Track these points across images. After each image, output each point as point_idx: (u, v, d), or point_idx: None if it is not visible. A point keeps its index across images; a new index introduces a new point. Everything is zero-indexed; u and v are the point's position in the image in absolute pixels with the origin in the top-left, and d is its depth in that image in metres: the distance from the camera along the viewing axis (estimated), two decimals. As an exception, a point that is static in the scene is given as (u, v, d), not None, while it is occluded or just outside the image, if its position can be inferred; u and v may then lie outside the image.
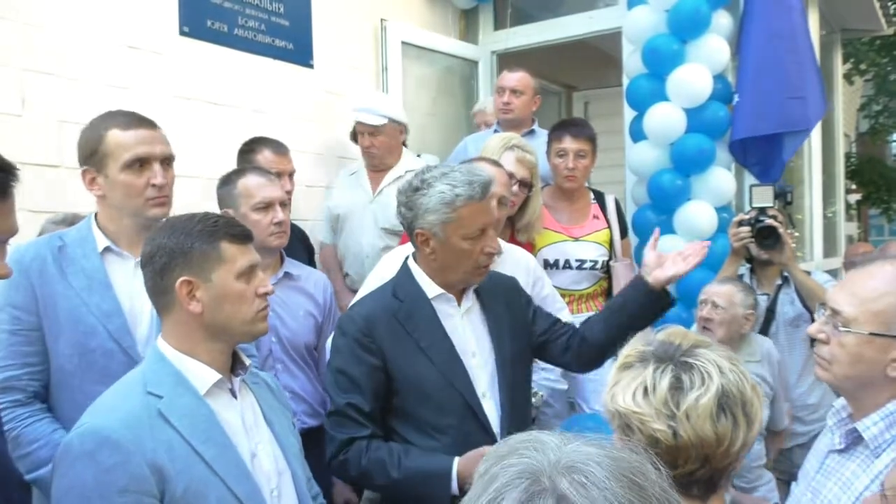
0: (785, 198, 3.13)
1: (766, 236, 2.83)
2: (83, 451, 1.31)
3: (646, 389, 1.05)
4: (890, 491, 1.18)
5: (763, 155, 3.63)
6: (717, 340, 2.68)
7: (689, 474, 1.04)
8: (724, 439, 1.04)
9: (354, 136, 3.47)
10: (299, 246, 2.96)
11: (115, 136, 1.77)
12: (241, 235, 1.50)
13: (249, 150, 2.88)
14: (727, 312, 2.73)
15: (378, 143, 3.20)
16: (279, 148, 2.90)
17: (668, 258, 1.99)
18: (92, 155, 1.78)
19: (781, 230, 2.83)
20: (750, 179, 3.84)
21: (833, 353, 1.43)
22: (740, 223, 2.90)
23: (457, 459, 1.75)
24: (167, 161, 1.85)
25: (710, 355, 1.09)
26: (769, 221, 2.84)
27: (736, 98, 3.52)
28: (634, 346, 1.14)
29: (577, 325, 2.09)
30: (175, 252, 1.43)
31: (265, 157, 2.84)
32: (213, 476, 1.37)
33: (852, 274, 1.49)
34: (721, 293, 2.76)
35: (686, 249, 2.01)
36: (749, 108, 3.47)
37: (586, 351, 2.01)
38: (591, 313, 3.05)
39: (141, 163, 1.78)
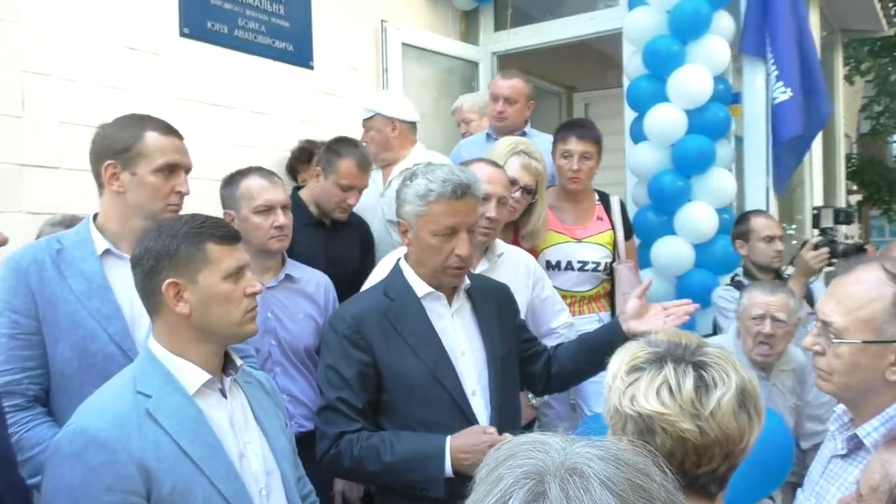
0: (850, 217, 3.22)
1: (856, 255, 2.89)
2: (71, 450, 1.33)
3: (671, 389, 1.03)
4: (866, 491, 1.17)
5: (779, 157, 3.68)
6: (776, 355, 2.60)
7: (712, 472, 1.04)
8: (743, 435, 1.04)
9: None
10: (356, 238, 2.97)
11: (155, 139, 1.80)
12: (227, 236, 1.50)
13: (335, 152, 2.79)
14: (788, 325, 2.54)
15: (368, 139, 3.20)
16: (365, 165, 2.82)
17: (650, 311, 2.02)
18: (124, 151, 1.79)
19: (869, 249, 2.94)
20: (749, 179, 3.85)
21: (831, 365, 1.42)
22: (817, 246, 2.94)
23: (449, 438, 1.76)
24: (188, 173, 1.88)
25: (720, 353, 1.10)
26: (856, 241, 2.97)
27: (787, 93, 3.51)
28: (640, 347, 1.12)
29: (550, 350, 2.16)
30: (161, 254, 1.45)
31: (348, 167, 2.75)
32: (200, 475, 1.38)
33: (838, 281, 1.47)
34: (780, 305, 2.53)
35: (671, 307, 2.03)
36: (797, 106, 3.49)
37: (554, 379, 2.13)
38: (592, 315, 3.05)
39: (171, 169, 1.82)
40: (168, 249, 1.44)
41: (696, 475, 1.03)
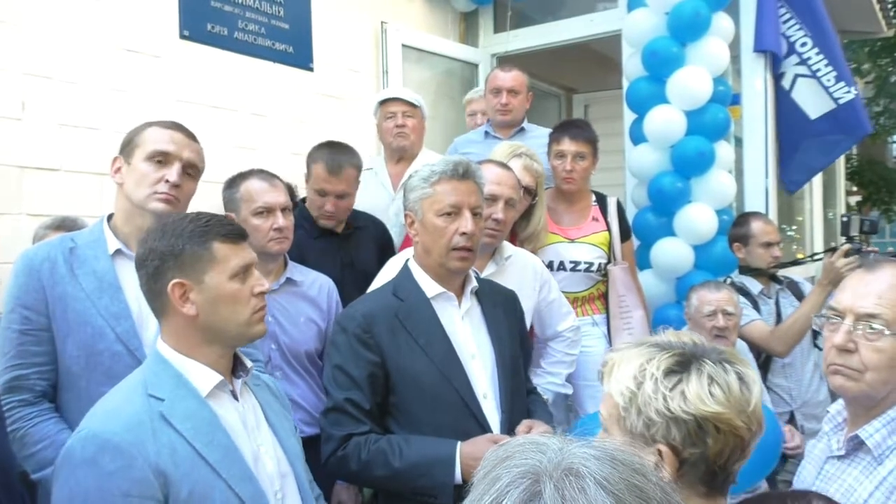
0: (875, 227, 3.23)
1: None
2: (84, 457, 1.29)
3: (722, 388, 1.04)
4: None
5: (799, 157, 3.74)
6: (731, 345, 2.74)
7: (741, 464, 1.07)
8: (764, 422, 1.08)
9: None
10: (371, 242, 2.89)
11: (152, 131, 1.86)
12: (233, 234, 1.48)
13: (310, 157, 2.69)
14: (735, 317, 2.79)
15: (411, 126, 3.21)
16: (334, 169, 2.64)
17: None
18: (126, 144, 1.86)
19: None
20: (749, 181, 3.85)
21: (867, 361, 1.39)
22: (848, 253, 2.90)
23: (460, 444, 1.74)
24: (190, 168, 1.88)
25: (730, 350, 1.13)
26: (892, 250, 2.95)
27: (852, 92, 3.60)
28: (656, 351, 1.09)
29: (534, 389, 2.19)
30: (166, 254, 1.42)
31: (318, 171, 2.64)
32: (217, 479, 1.36)
33: (863, 277, 1.45)
34: (727, 299, 2.79)
35: None
36: (862, 104, 3.60)
37: None
38: (586, 318, 3.01)
39: (163, 158, 1.83)
40: (173, 249, 1.41)
41: (732, 471, 1.05)
